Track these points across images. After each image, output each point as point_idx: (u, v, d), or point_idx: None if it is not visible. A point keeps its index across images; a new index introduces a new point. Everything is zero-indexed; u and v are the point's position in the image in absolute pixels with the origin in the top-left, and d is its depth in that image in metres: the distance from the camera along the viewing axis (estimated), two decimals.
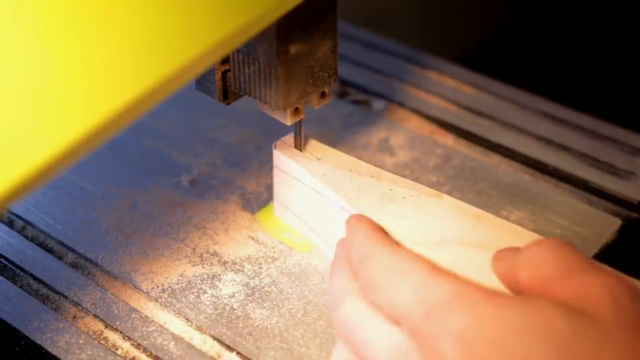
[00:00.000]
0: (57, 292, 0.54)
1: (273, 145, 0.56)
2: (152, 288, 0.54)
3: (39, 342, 0.51)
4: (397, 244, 0.45)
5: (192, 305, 0.53)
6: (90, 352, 0.51)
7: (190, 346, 0.51)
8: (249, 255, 0.57)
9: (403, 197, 0.51)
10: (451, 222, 0.49)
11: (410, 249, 0.44)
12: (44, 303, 0.54)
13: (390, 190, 0.52)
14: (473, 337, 0.38)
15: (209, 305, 0.53)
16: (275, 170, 0.57)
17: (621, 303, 0.38)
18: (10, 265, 0.56)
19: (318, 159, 0.55)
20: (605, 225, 0.59)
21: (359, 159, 0.55)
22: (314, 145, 0.56)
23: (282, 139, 0.56)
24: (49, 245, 0.58)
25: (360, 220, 0.47)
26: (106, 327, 0.52)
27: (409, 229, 0.48)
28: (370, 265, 0.43)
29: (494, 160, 0.64)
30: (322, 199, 0.53)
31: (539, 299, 0.39)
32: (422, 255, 0.43)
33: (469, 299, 0.39)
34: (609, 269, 0.42)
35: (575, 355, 0.37)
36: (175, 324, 0.52)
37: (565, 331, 0.37)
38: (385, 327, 0.41)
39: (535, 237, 0.48)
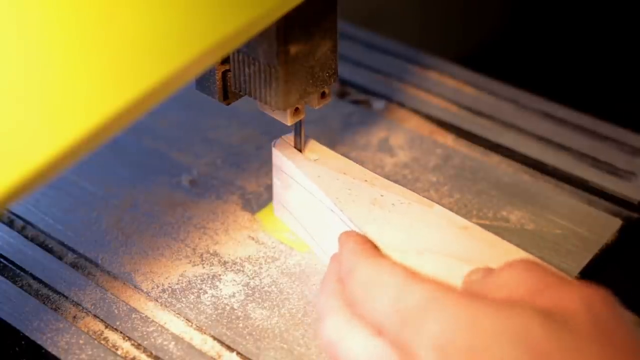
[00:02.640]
0: (57, 292, 0.54)
1: (272, 143, 0.56)
2: (152, 288, 0.54)
3: (39, 342, 0.51)
4: (381, 255, 0.45)
5: (192, 306, 0.53)
6: (90, 352, 0.51)
7: (191, 346, 0.51)
8: (249, 255, 0.57)
9: (392, 204, 0.51)
10: (436, 232, 0.49)
11: (392, 258, 0.44)
12: (44, 303, 0.54)
13: (382, 196, 0.51)
14: (448, 343, 0.38)
15: (209, 305, 0.53)
16: (274, 169, 0.57)
17: (596, 311, 0.39)
18: (10, 265, 0.56)
19: (315, 160, 0.55)
20: (605, 225, 0.58)
21: (359, 159, 0.55)
22: (313, 146, 0.56)
23: (282, 137, 0.56)
24: (49, 245, 0.58)
25: (349, 235, 0.48)
26: (106, 327, 0.52)
27: (392, 237, 0.48)
28: (353, 279, 0.43)
29: (494, 160, 0.64)
30: (315, 200, 0.53)
31: (514, 304, 0.39)
32: (402, 263, 0.43)
33: (444, 305, 0.39)
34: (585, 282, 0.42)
35: None
36: (176, 324, 0.52)
37: (540, 336, 0.37)
38: (367, 340, 0.41)
39: (522, 253, 0.47)
